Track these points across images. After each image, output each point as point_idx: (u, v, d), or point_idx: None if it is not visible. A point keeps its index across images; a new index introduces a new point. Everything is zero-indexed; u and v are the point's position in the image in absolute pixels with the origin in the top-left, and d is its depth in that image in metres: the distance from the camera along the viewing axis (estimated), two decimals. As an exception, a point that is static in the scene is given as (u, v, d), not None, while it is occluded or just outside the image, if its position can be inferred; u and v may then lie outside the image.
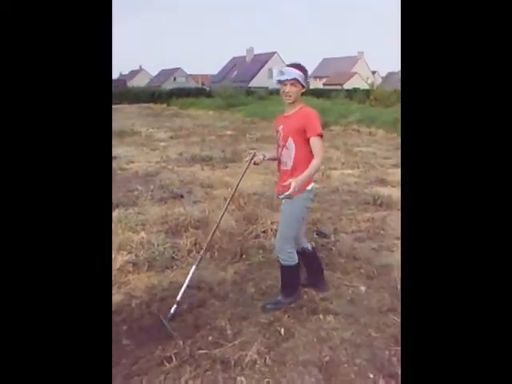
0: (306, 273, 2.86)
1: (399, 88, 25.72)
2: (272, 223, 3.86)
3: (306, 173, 2.34)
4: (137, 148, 9.16)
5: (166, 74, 60.14)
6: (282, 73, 2.39)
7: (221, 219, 2.78)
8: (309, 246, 2.82)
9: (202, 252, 2.80)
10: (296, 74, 2.37)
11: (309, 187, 2.47)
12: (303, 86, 2.43)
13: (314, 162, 2.38)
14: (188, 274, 2.63)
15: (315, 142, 2.39)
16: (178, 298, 2.53)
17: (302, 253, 2.74)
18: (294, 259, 2.57)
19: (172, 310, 2.49)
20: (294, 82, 2.38)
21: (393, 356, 2.16)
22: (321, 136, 2.40)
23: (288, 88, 2.40)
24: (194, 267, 2.64)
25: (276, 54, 49.89)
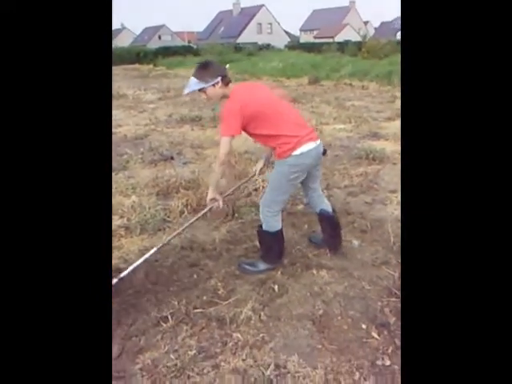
0: (321, 234, 2.80)
1: (393, 39, 25.06)
2: (263, 181, 3.82)
3: (210, 180, 2.46)
4: (124, 111, 8.92)
5: (149, 32, 57.81)
6: (187, 85, 2.31)
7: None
8: (327, 208, 2.69)
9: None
10: (193, 84, 2.27)
11: (296, 152, 2.28)
12: (214, 85, 2.26)
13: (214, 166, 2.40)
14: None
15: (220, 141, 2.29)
16: (123, 274, 2.30)
17: (319, 214, 2.70)
18: (271, 225, 2.47)
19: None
20: (200, 90, 2.29)
21: (385, 307, 2.20)
22: (227, 135, 2.24)
23: (203, 95, 2.34)
24: (154, 249, 2.44)
25: (264, 7, 47.98)
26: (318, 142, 2.40)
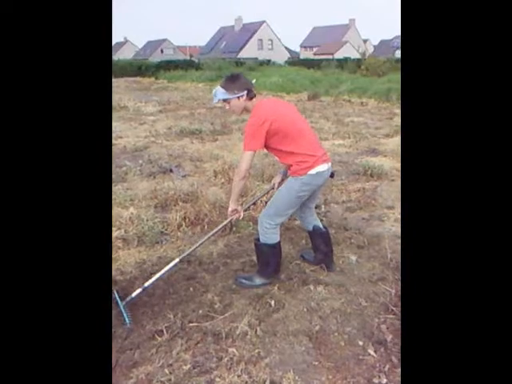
0: (313, 252, 2.81)
1: (391, 57, 25.39)
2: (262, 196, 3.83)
3: (232, 193, 2.42)
4: (125, 123, 8.96)
5: (152, 45, 58.48)
6: (214, 94, 2.38)
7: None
8: (320, 225, 2.73)
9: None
10: (220, 94, 2.35)
11: (312, 171, 2.32)
12: (239, 97, 2.33)
13: (234, 179, 2.40)
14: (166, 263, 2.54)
15: (241, 155, 2.31)
16: (147, 284, 2.38)
17: (312, 231, 2.71)
18: (270, 238, 2.47)
19: (134, 294, 2.33)
20: (225, 101, 2.36)
21: (382, 323, 2.19)
22: (250, 150, 2.27)
23: (227, 106, 2.39)
24: (177, 260, 2.51)
25: (265, 23, 48.61)
26: (330, 164, 2.45)
